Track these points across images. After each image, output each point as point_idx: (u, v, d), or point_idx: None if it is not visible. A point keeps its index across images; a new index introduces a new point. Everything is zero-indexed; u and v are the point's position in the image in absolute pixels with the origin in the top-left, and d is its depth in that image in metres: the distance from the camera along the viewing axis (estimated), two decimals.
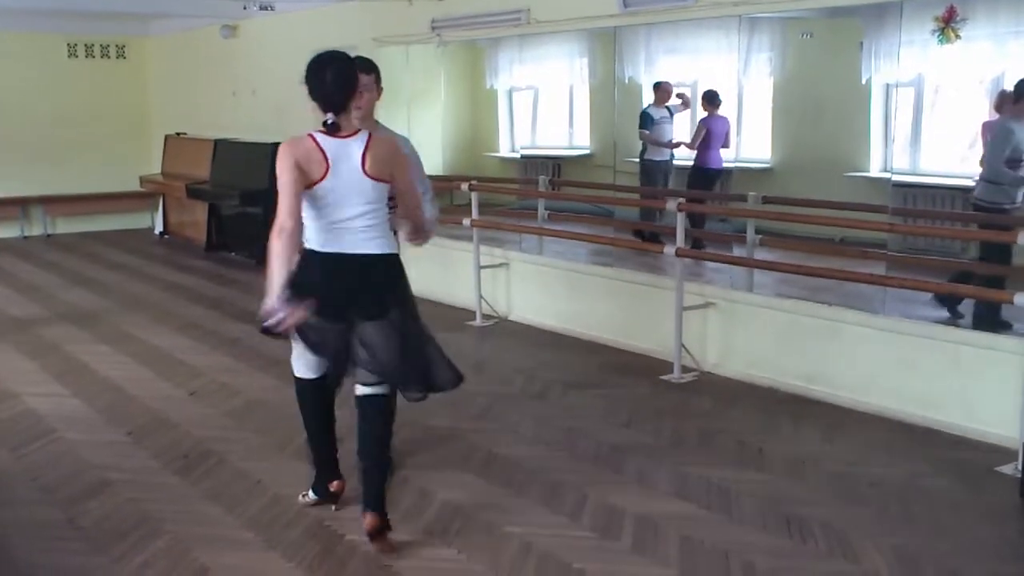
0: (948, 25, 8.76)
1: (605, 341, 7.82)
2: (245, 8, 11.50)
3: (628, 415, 6.20)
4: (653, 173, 10.60)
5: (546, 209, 9.68)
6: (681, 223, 6.95)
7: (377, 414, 4.35)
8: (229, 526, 4.61)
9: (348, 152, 4.06)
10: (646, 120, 10.58)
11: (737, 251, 8.44)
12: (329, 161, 4.01)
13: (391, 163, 4.17)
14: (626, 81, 12.42)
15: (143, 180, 14.88)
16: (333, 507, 4.69)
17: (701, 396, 6.61)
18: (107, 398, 6.65)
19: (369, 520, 4.22)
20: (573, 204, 10.79)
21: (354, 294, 4.11)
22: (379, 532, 4.22)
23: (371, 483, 4.28)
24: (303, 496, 4.79)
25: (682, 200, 7.25)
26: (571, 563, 4.16)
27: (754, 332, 6.93)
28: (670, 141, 10.61)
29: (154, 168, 15.01)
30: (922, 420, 5.90)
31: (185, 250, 13.30)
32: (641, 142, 10.75)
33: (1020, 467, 5.01)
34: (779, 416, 6.16)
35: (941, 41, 8.97)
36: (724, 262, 8.02)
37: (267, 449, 5.63)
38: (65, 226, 14.85)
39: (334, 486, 4.70)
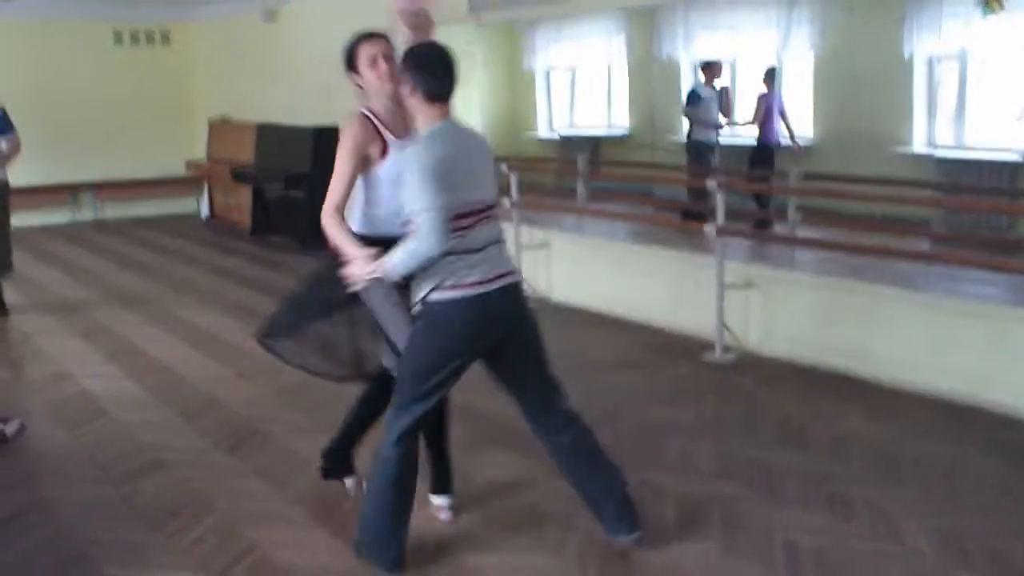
0: None
1: (646, 321, 7.84)
2: None
3: (669, 395, 6.24)
4: (701, 152, 10.51)
5: (585, 188, 9.70)
6: (721, 202, 6.94)
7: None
8: (278, 503, 4.71)
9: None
10: (694, 98, 10.46)
11: (779, 229, 8.44)
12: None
13: None
14: (664, 59, 12.40)
15: (189, 165, 15.06)
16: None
17: (743, 376, 6.63)
18: (158, 379, 6.78)
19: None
20: (613, 184, 10.80)
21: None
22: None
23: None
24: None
25: (723, 178, 7.24)
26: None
27: (796, 311, 6.92)
28: (717, 122, 10.49)
29: (199, 153, 15.19)
30: (967, 399, 5.86)
31: (231, 234, 13.45)
32: (688, 121, 10.65)
33: None
34: (821, 395, 6.16)
35: (985, 12, 8.88)
36: (768, 241, 8.01)
37: (314, 429, 5.68)
38: (113, 211, 15.06)
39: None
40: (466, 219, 3.74)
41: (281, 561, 4.12)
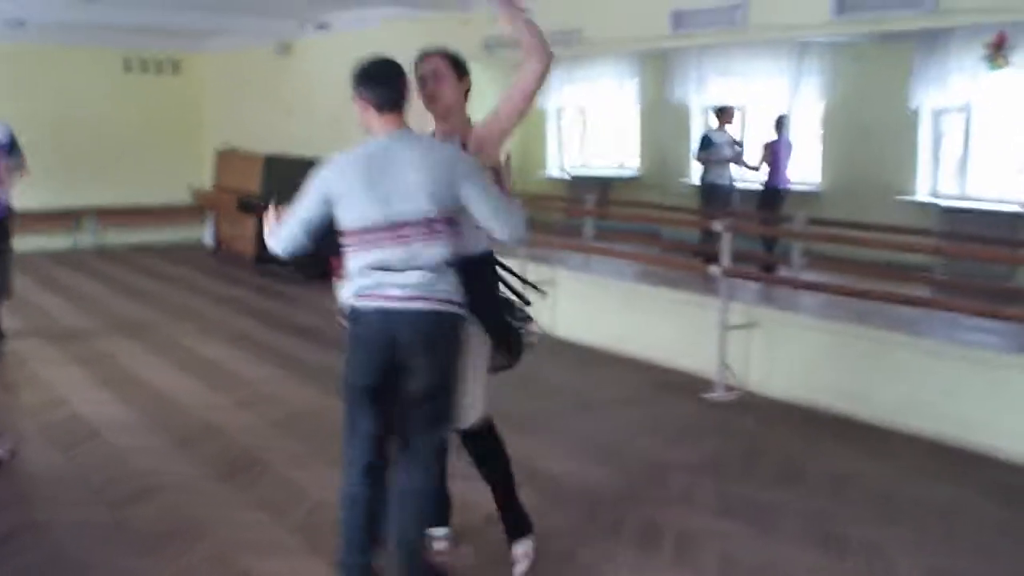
0: (998, 51, 8.76)
1: (649, 359, 7.83)
2: (301, 27, 11.66)
3: (671, 432, 6.23)
4: (716, 194, 10.53)
5: (593, 228, 9.72)
6: (728, 243, 6.97)
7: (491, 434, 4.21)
8: (274, 532, 4.68)
9: None
10: (706, 143, 10.50)
11: (785, 272, 8.46)
12: None
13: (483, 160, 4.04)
14: (676, 103, 12.49)
15: (195, 193, 15.10)
16: None
17: (744, 415, 6.62)
18: (155, 405, 6.76)
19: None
20: (619, 224, 10.83)
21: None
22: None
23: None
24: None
25: (730, 220, 7.26)
26: (610, 574, 4.18)
27: (797, 352, 6.93)
28: (727, 157, 10.49)
29: (206, 182, 15.23)
30: (966, 443, 5.87)
31: (235, 263, 13.47)
32: (703, 164, 10.65)
33: None
34: (821, 436, 6.16)
35: (991, 67, 8.97)
36: (773, 283, 8.03)
37: (311, 458, 5.70)
38: (117, 237, 15.06)
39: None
40: (356, 236, 3.69)
41: None
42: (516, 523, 4.28)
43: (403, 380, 3.71)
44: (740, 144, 10.66)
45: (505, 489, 4.22)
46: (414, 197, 3.61)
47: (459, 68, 4.00)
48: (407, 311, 3.63)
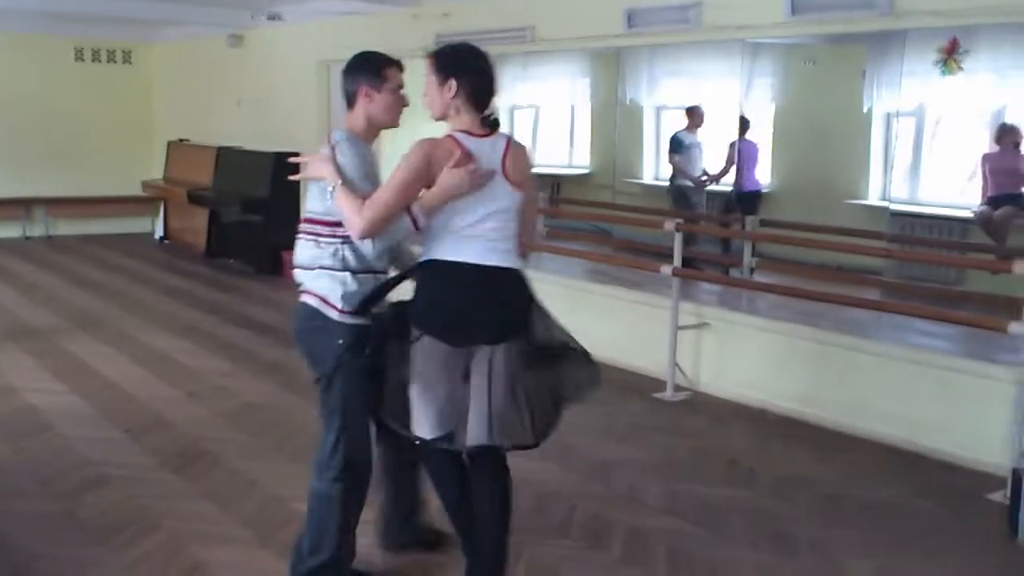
0: (951, 56, 8.85)
1: (601, 358, 7.83)
2: (253, 18, 11.59)
3: (620, 431, 6.27)
4: (686, 197, 10.59)
5: (545, 226, 9.74)
6: (679, 243, 7.02)
7: (495, 464, 3.84)
8: (224, 524, 4.66)
9: (490, 153, 3.65)
10: (676, 145, 10.56)
11: (733, 274, 8.53)
12: None
13: (527, 171, 3.80)
14: (627, 102, 12.53)
15: (145, 185, 14.94)
16: None
17: (694, 415, 6.67)
18: (106, 396, 6.70)
19: None
20: (571, 222, 10.86)
21: (480, 311, 3.64)
22: None
23: (491, 553, 3.82)
24: None
25: (680, 220, 7.32)
26: (559, 571, 4.22)
27: (748, 353, 6.99)
28: (699, 178, 10.57)
29: (156, 173, 15.06)
30: (912, 445, 5.95)
31: (185, 255, 13.36)
32: (674, 167, 10.71)
33: (1009, 494, 5.05)
34: (770, 437, 6.22)
35: (943, 72, 9.06)
36: (722, 284, 8.10)
37: (262, 451, 5.68)
38: (67, 228, 14.88)
39: None
40: None
41: None
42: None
43: None
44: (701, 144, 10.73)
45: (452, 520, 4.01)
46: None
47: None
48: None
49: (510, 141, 3.73)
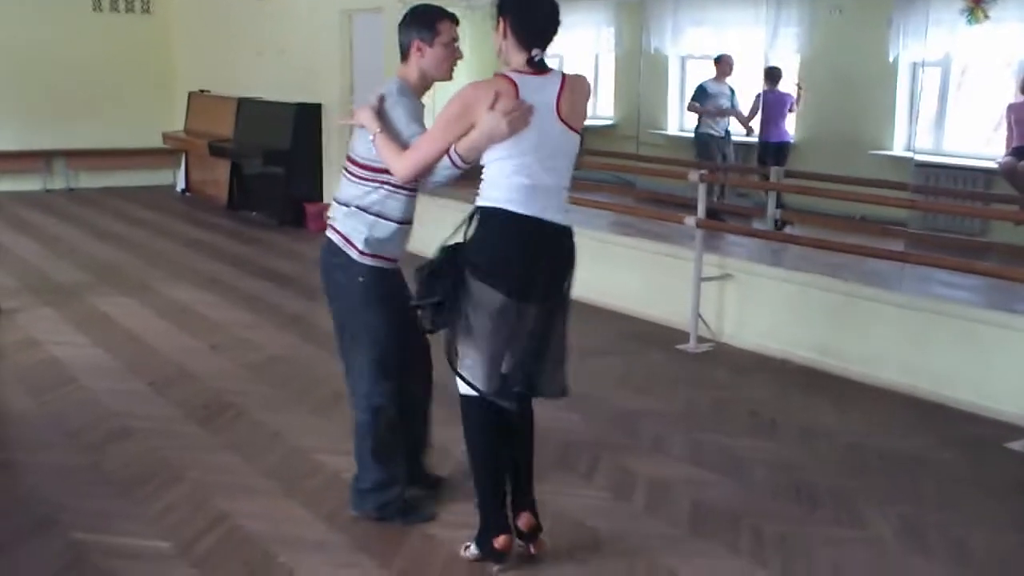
0: (977, 5, 8.74)
1: (623, 310, 7.86)
2: None
3: (643, 382, 6.27)
4: (708, 147, 10.51)
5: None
6: (702, 194, 6.99)
7: (526, 408, 3.92)
8: (248, 475, 4.70)
9: (541, 92, 3.57)
10: (700, 94, 10.47)
11: (757, 225, 8.48)
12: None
13: (584, 111, 3.74)
14: (652, 52, 12.42)
15: (166, 137, 14.94)
16: (496, 568, 3.84)
17: (716, 366, 6.67)
18: (129, 349, 6.74)
19: (526, 519, 3.85)
20: (594, 173, 10.80)
21: (534, 266, 3.59)
22: (535, 531, 3.88)
23: (524, 480, 3.92)
24: (465, 548, 3.94)
25: (704, 172, 7.27)
26: (583, 521, 4.24)
27: (770, 304, 6.97)
28: (721, 107, 10.46)
29: (177, 125, 15.05)
30: (934, 396, 5.94)
31: (206, 208, 13.38)
32: (697, 115, 10.64)
33: None
34: (792, 388, 6.22)
35: (970, 21, 8.95)
36: (746, 235, 8.06)
37: (285, 403, 5.71)
38: (88, 180, 14.93)
39: (499, 542, 3.79)
40: None
41: (253, 531, 4.11)
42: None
43: None
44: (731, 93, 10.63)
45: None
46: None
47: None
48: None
49: (566, 78, 3.64)
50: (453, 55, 3.91)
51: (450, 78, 3.97)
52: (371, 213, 3.88)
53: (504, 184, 3.55)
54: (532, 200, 3.55)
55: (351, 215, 3.91)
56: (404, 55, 3.92)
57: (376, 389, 4.04)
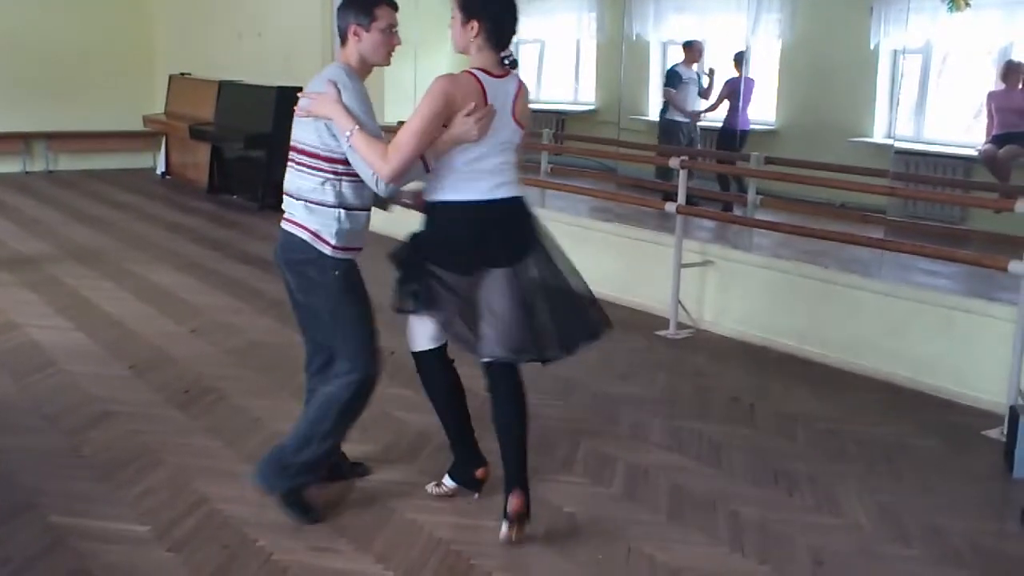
0: None
1: (603, 295, 7.79)
2: None
3: (623, 368, 6.29)
4: (673, 133, 10.53)
5: (549, 163, 9.69)
6: (683, 180, 7.01)
7: (511, 377, 4.01)
8: (228, 459, 4.69)
9: (503, 93, 3.75)
10: (673, 79, 10.49)
11: (737, 212, 8.51)
12: (488, 103, 3.70)
13: (528, 111, 3.94)
14: (634, 38, 12.43)
15: (146, 120, 14.84)
16: (476, 495, 4.24)
17: (696, 352, 6.70)
18: (109, 333, 6.72)
19: (515, 502, 3.86)
20: (575, 159, 10.80)
21: (488, 242, 3.78)
22: (521, 517, 3.88)
23: (513, 459, 3.96)
24: (436, 486, 4.27)
25: (684, 158, 7.29)
26: (562, 507, 4.25)
27: (750, 291, 7.00)
28: (693, 111, 10.53)
29: (158, 108, 14.96)
30: (912, 383, 5.98)
31: (186, 191, 13.32)
32: (668, 100, 10.67)
33: (1006, 431, 5.08)
34: (771, 374, 6.25)
35: (951, 9, 8.98)
36: (725, 221, 8.08)
37: (266, 388, 5.70)
38: (67, 163, 14.84)
39: (479, 472, 4.19)
40: None
41: (232, 515, 4.10)
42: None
43: None
44: (711, 79, 10.67)
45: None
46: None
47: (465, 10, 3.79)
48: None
49: (521, 83, 3.84)
50: (391, 41, 3.89)
51: (388, 63, 3.97)
52: (333, 206, 3.82)
53: (450, 176, 3.76)
54: (477, 184, 3.77)
55: (313, 211, 3.83)
56: (343, 39, 3.90)
57: (368, 360, 3.98)
